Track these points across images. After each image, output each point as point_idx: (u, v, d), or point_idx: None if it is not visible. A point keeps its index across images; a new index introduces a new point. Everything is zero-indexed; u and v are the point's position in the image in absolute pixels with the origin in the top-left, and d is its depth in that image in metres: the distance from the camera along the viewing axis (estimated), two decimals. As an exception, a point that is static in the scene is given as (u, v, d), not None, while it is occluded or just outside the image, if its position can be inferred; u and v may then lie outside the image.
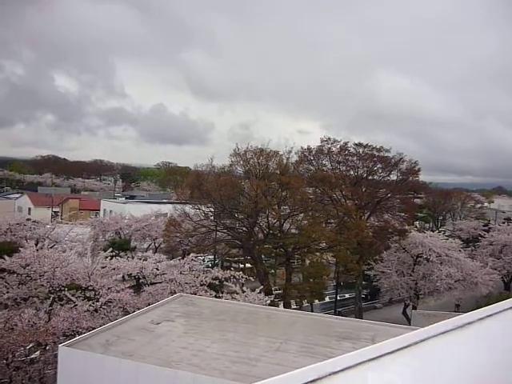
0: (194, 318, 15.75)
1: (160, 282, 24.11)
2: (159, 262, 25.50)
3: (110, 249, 26.13)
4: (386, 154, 35.44)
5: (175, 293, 20.55)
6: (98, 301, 20.65)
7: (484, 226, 56.12)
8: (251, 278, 26.36)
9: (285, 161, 33.26)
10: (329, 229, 33.88)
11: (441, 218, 78.06)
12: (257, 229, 33.23)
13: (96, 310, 20.39)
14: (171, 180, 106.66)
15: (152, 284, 24.09)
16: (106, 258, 24.37)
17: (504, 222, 54.91)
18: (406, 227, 36.97)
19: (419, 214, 68.23)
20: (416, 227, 51.76)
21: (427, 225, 71.06)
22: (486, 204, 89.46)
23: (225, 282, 25.21)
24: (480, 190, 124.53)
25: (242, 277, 25.28)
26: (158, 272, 24.49)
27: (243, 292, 23.82)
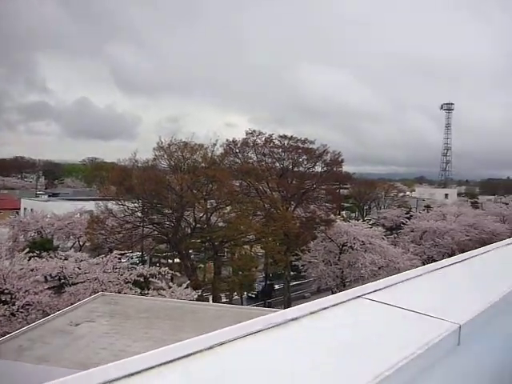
0: (115, 317, 15.25)
1: (82, 282, 23.26)
2: (81, 260, 24.62)
3: (27, 249, 24.79)
4: (311, 146, 36.03)
5: (98, 292, 19.86)
6: (14, 304, 19.66)
7: (406, 213, 58.22)
8: (177, 273, 26.00)
9: (210, 154, 33.02)
10: (256, 221, 33.99)
11: (366, 207, 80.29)
12: (183, 223, 32.79)
13: (13, 314, 19.40)
14: (97, 176, 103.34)
15: (74, 284, 23.19)
16: (25, 258, 23.17)
17: (424, 210, 57.31)
18: (332, 217, 37.73)
19: (346, 204, 70.01)
20: (343, 217, 53.03)
21: (353, 214, 72.92)
22: (408, 193, 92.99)
23: (150, 279, 24.71)
24: (403, 180, 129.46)
25: (168, 272, 24.92)
26: (80, 271, 23.60)
27: (169, 288, 23.46)
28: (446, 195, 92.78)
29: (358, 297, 1.53)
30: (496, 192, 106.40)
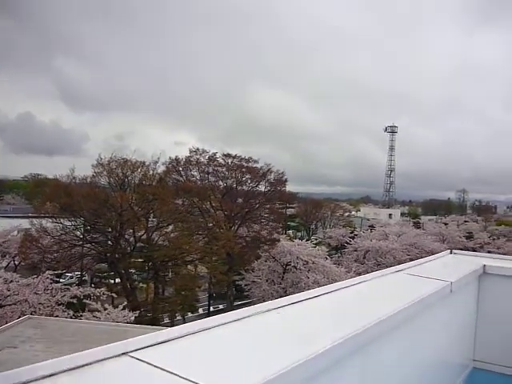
0: (40, 342, 14.41)
1: (10, 304, 22.06)
2: (11, 281, 23.36)
3: None
4: (255, 165, 36.00)
5: (26, 315, 18.83)
6: None
7: (351, 233, 59.00)
8: (114, 294, 25.14)
9: (151, 171, 32.42)
10: (198, 240, 33.51)
11: (313, 226, 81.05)
12: (123, 242, 31.90)
13: None
14: (39, 193, 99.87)
15: (1, 307, 21.95)
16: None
17: (368, 229, 58.24)
18: (275, 236, 37.66)
19: (292, 223, 70.40)
20: (289, 236, 53.19)
21: (299, 233, 73.39)
22: (353, 213, 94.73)
23: (85, 300, 23.76)
24: (349, 200, 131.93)
25: (104, 293, 24.05)
26: (8, 293, 22.37)
27: (105, 310, 22.61)
28: (390, 215, 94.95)
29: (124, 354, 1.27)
30: (437, 212, 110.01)
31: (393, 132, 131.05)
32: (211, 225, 34.17)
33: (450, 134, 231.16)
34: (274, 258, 36.97)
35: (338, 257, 48.78)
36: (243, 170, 35.40)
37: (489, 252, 49.77)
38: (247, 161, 35.70)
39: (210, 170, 35.57)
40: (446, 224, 67.81)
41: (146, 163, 32.16)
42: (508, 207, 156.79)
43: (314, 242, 53.62)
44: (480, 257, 3.69)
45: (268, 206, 37.37)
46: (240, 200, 36.75)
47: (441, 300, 2.43)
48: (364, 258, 48.31)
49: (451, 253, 3.74)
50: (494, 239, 53.95)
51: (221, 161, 35.54)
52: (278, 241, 37.62)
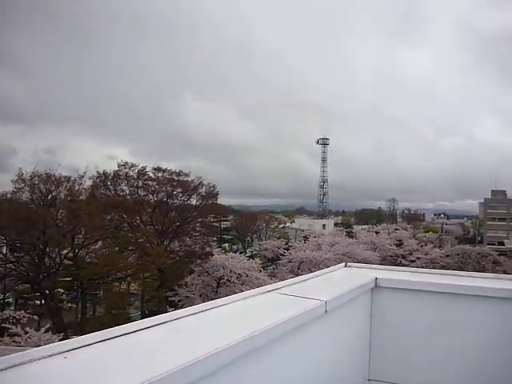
0: None
1: None
2: None
3: None
4: (186, 179, 35.58)
5: None
6: None
7: (285, 244, 59.38)
8: (35, 316, 23.86)
9: (77, 187, 31.31)
10: (129, 256, 32.60)
11: (249, 239, 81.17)
12: (48, 260, 30.48)
13: None
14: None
15: None
16: None
17: (301, 240, 58.84)
18: (208, 250, 37.26)
19: (227, 236, 70.16)
20: (224, 249, 52.85)
21: (235, 246, 73.24)
22: (288, 224, 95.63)
23: (3, 324, 22.39)
24: (285, 211, 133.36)
25: (24, 316, 22.77)
26: None
27: (26, 333, 21.37)
28: (324, 225, 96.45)
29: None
30: (369, 221, 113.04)
31: (324, 144, 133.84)
32: (142, 240, 33.31)
33: (377, 144, 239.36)
34: (207, 272, 36.50)
35: (273, 269, 48.86)
36: (174, 183, 34.92)
37: (417, 258, 51.52)
38: (178, 174, 35.25)
39: (140, 184, 34.82)
40: (377, 233, 69.43)
41: (72, 178, 31.06)
42: (435, 215, 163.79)
43: (249, 254, 53.71)
44: (374, 269, 3.60)
45: (200, 219, 36.96)
46: (171, 214, 36.13)
47: (315, 320, 2.34)
48: (298, 268, 48.58)
49: (346, 266, 3.64)
50: (422, 246, 55.67)
51: (151, 175, 34.93)
52: (212, 254, 37.26)
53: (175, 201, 36.48)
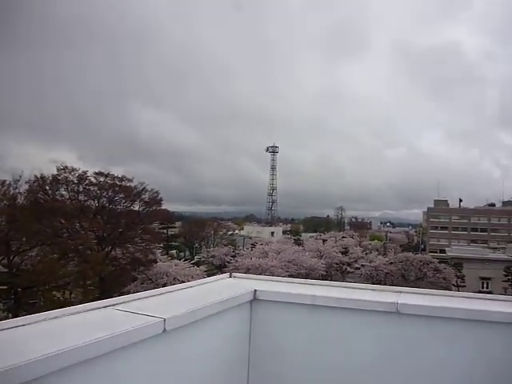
0: None
1: None
2: None
3: None
4: (129, 184, 34.84)
5: None
6: None
7: (233, 251, 59.24)
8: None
9: (12, 191, 30.01)
10: (66, 263, 31.49)
11: (197, 246, 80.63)
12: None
13: None
14: None
15: None
16: None
17: (248, 248, 58.82)
18: (151, 257, 36.61)
19: (174, 243, 69.37)
20: (170, 256, 52.16)
21: (182, 253, 72.47)
22: (236, 231, 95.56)
23: None
24: (234, 219, 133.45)
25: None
26: None
27: None
28: (272, 233, 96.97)
29: None
30: (317, 229, 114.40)
31: (274, 152, 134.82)
32: (82, 247, 32.26)
33: (326, 154, 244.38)
34: (150, 279, 35.83)
35: (220, 276, 48.55)
36: (116, 188, 34.10)
37: (362, 266, 52.38)
38: (121, 179, 34.48)
39: (81, 188, 33.79)
40: (325, 240, 70.21)
41: (7, 182, 29.76)
42: (382, 223, 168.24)
43: (193, 261, 53.27)
44: (260, 280, 3.51)
45: (143, 225, 36.24)
46: (113, 220, 35.23)
47: (152, 339, 2.14)
48: (245, 275, 48.48)
49: (230, 276, 3.48)
50: (367, 253, 56.76)
51: (92, 179, 33.93)
52: (155, 262, 36.67)
53: (118, 206, 35.60)
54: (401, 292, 3.04)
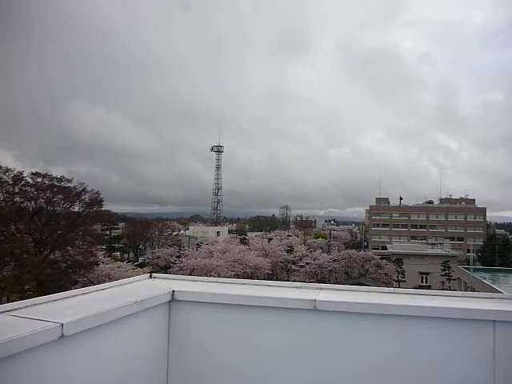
0: None
1: None
2: None
3: None
4: (68, 185, 33.79)
5: None
6: None
7: (178, 252, 58.75)
8: None
9: None
10: (1, 268, 30.17)
11: (141, 247, 79.53)
12: None
13: None
14: None
15: None
16: None
17: (193, 248, 58.47)
18: (93, 260, 35.68)
19: (117, 245, 68.08)
20: (115, 258, 51.15)
21: (126, 255, 71.26)
22: (182, 231, 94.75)
23: None
24: (180, 219, 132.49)
25: None
26: None
27: None
28: (218, 232, 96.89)
29: None
30: (263, 228, 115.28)
31: (219, 151, 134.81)
32: (17, 250, 30.97)
33: (271, 153, 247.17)
34: (92, 282, 34.91)
35: (164, 277, 47.94)
36: (55, 189, 32.96)
37: (307, 264, 52.99)
38: (59, 180, 33.35)
39: (17, 190, 32.43)
40: (270, 239, 70.65)
41: None
42: (326, 221, 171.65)
43: (137, 263, 52.42)
44: (179, 280, 3.43)
45: (83, 227, 35.22)
46: (52, 222, 34.03)
47: (48, 345, 2.02)
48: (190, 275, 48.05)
49: (151, 277, 3.39)
50: (311, 251, 57.44)
51: (29, 180, 32.63)
52: (97, 264, 35.79)
53: (57, 208, 34.43)
54: (321, 289, 3.05)
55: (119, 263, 39.14)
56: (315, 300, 2.72)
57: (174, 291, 2.94)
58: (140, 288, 3.07)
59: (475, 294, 3.02)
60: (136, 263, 45.78)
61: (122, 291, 2.95)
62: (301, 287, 3.13)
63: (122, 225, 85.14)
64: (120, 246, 70.39)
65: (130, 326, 2.56)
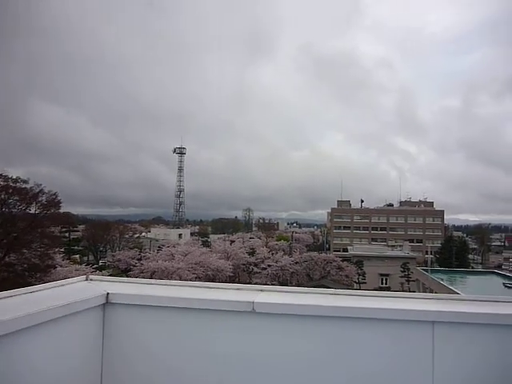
0: None
1: None
2: None
3: None
4: (24, 186, 32.93)
5: None
6: None
7: (138, 254, 58.04)
8: None
9: None
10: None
11: (102, 249, 78.24)
12: None
13: None
14: None
15: None
16: None
17: (154, 250, 57.84)
18: (50, 263, 34.86)
19: (77, 248, 66.71)
20: (74, 261, 50.17)
21: (86, 258, 69.88)
22: (143, 234, 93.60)
23: None
24: (142, 221, 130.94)
25: None
26: None
27: None
28: (180, 235, 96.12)
29: None
30: (226, 231, 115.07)
31: (181, 153, 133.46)
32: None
33: (234, 156, 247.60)
34: (49, 286, 34.06)
35: (124, 280, 47.28)
36: (10, 190, 32.09)
37: (269, 266, 53.11)
38: (15, 181, 32.48)
39: (-30, 191, 31.46)
40: (233, 241, 70.55)
41: None
42: (288, 223, 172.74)
43: (97, 266, 51.51)
44: (116, 282, 3.30)
45: (40, 229, 34.35)
46: (8, 224, 33.09)
47: None
48: (151, 278, 47.49)
49: (87, 279, 3.30)
50: (273, 254, 57.61)
51: (-17, 181, 31.68)
52: (54, 267, 34.97)
53: (12, 210, 33.50)
54: (262, 291, 3.03)
55: (77, 266, 38.32)
56: (253, 302, 2.70)
57: (108, 294, 2.85)
58: (73, 291, 2.97)
59: (416, 294, 3.04)
60: (96, 266, 44.90)
61: (53, 294, 2.85)
62: (241, 289, 3.11)
63: (82, 227, 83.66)
64: (79, 248, 68.91)
65: (58, 330, 2.48)
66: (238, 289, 3.12)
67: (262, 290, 3.04)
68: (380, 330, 2.63)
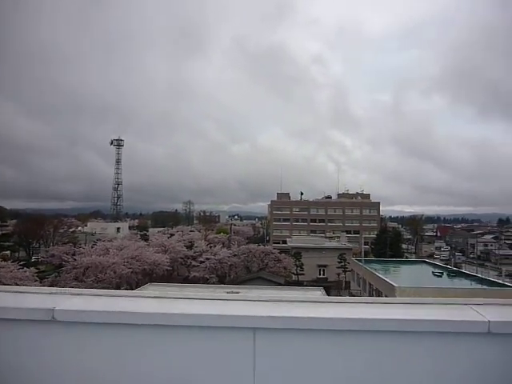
0: None
1: None
2: None
3: None
4: None
5: None
6: None
7: (73, 249, 56.41)
8: None
9: None
10: None
11: (36, 245, 75.56)
12: None
13: None
14: None
15: None
16: None
17: (89, 245, 56.39)
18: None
19: (6, 243, 64.09)
20: (4, 258, 48.21)
21: (17, 254, 67.33)
22: (80, 228, 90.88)
23: None
24: (80, 215, 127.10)
25: None
26: None
27: None
28: (118, 229, 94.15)
29: None
30: (166, 224, 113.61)
31: (119, 145, 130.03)
32: None
33: (173, 149, 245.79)
34: (-28, 284, 32.74)
35: (56, 276, 45.76)
36: None
37: (207, 259, 52.84)
38: None
39: None
40: (172, 235, 69.82)
41: None
42: (230, 216, 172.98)
43: (29, 262, 49.85)
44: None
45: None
46: None
47: None
48: (83, 274, 46.13)
49: None
50: (211, 247, 57.40)
51: None
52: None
53: None
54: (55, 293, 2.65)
55: (3, 263, 36.70)
56: (54, 309, 2.26)
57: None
58: None
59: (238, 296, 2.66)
60: (23, 263, 43.09)
61: None
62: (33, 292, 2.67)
63: (13, 222, 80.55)
64: (10, 244, 66.11)
65: None
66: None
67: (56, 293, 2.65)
68: (208, 336, 2.29)
